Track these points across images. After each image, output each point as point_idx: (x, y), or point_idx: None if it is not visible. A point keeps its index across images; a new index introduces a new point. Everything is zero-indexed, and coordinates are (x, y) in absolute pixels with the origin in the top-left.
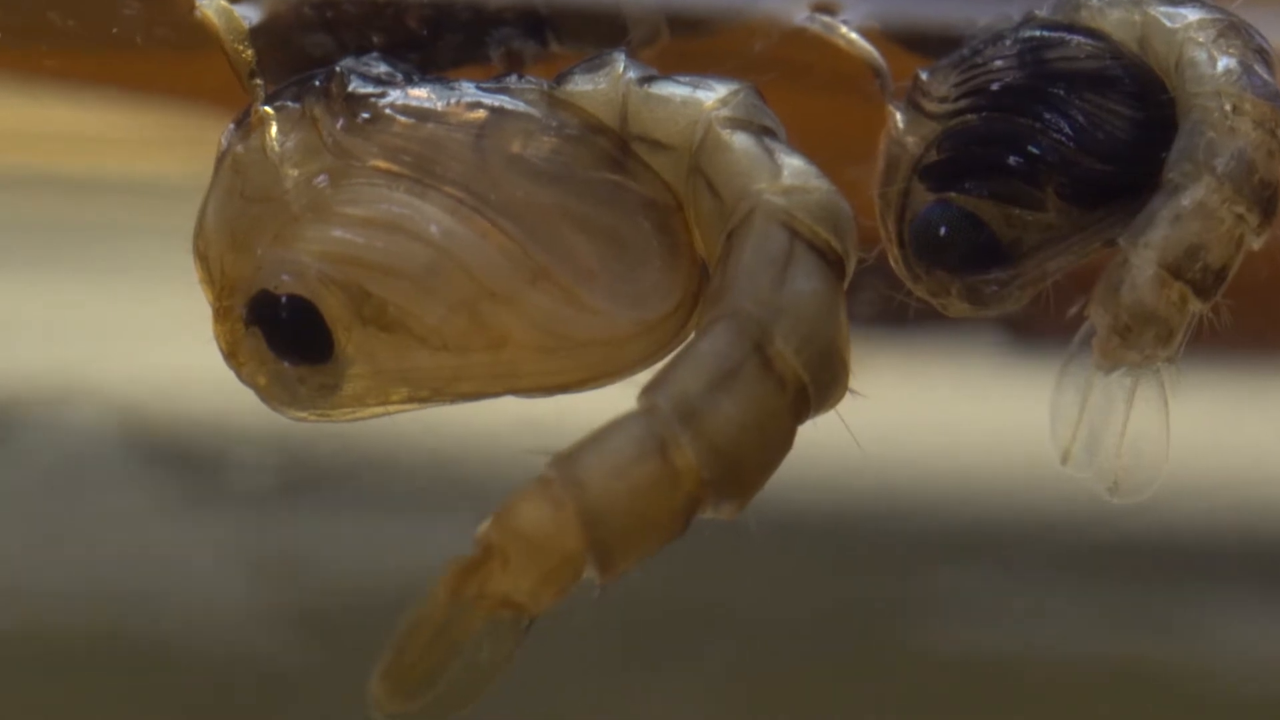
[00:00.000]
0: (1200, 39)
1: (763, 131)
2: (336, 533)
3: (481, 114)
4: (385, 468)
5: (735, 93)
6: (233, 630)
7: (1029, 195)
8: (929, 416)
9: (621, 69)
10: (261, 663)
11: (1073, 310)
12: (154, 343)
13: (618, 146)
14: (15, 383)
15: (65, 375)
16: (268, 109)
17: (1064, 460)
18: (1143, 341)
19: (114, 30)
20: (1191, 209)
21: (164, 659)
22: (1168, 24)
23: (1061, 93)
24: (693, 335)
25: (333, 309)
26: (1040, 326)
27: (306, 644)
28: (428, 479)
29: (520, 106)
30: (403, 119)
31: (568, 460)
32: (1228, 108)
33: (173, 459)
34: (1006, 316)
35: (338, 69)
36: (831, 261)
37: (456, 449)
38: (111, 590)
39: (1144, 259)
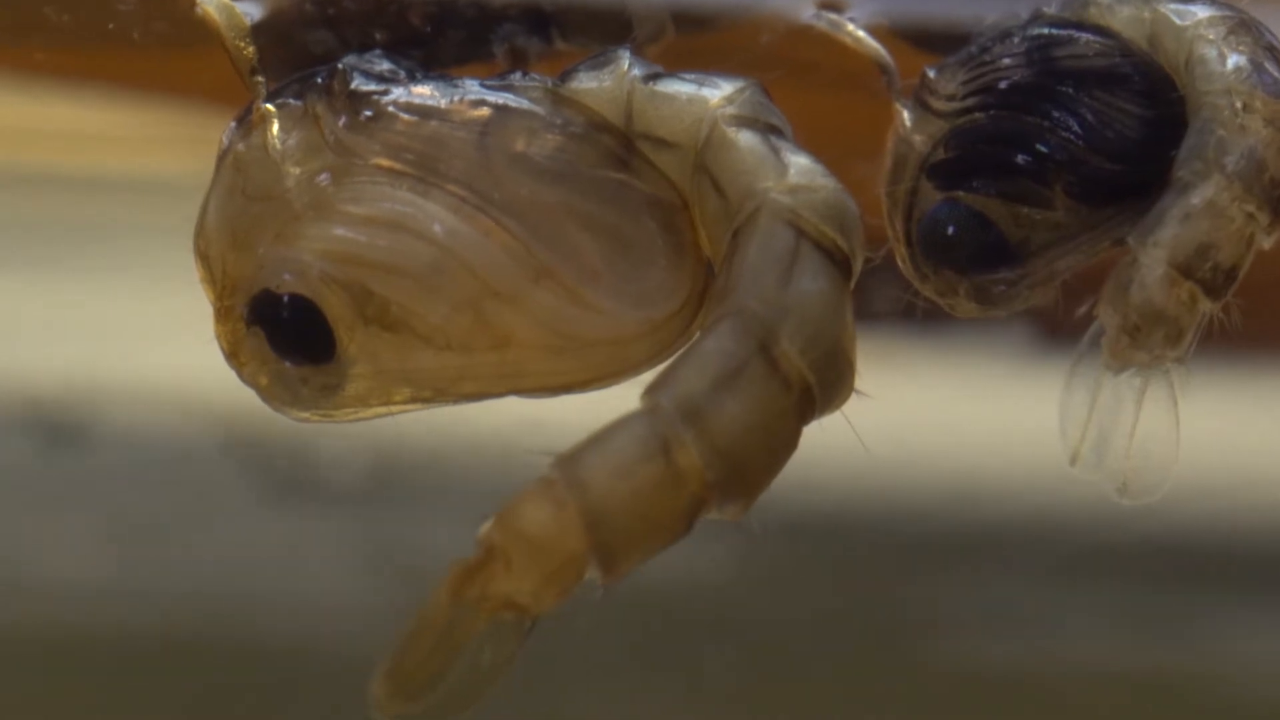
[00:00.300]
0: (1210, 36)
1: (769, 129)
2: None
3: (485, 112)
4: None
5: (741, 90)
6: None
7: (1037, 194)
8: (936, 417)
9: (626, 66)
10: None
11: (1082, 310)
12: (154, 342)
13: (622, 145)
14: (15, 381)
15: (66, 374)
16: (269, 106)
17: (1073, 461)
18: (1152, 341)
19: (111, 26)
20: (1201, 207)
21: (307, 664)
22: (1177, 21)
23: (1070, 91)
24: (698, 334)
25: (335, 308)
26: (1055, 326)
27: None
28: None
29: (524, 104)
30: (406, 117)
31: (570, 461)
32: (1238, 105)
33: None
34: (1019, 315)
35: (340, 66)
36: (838, 261)
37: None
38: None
39: (1153, 258)
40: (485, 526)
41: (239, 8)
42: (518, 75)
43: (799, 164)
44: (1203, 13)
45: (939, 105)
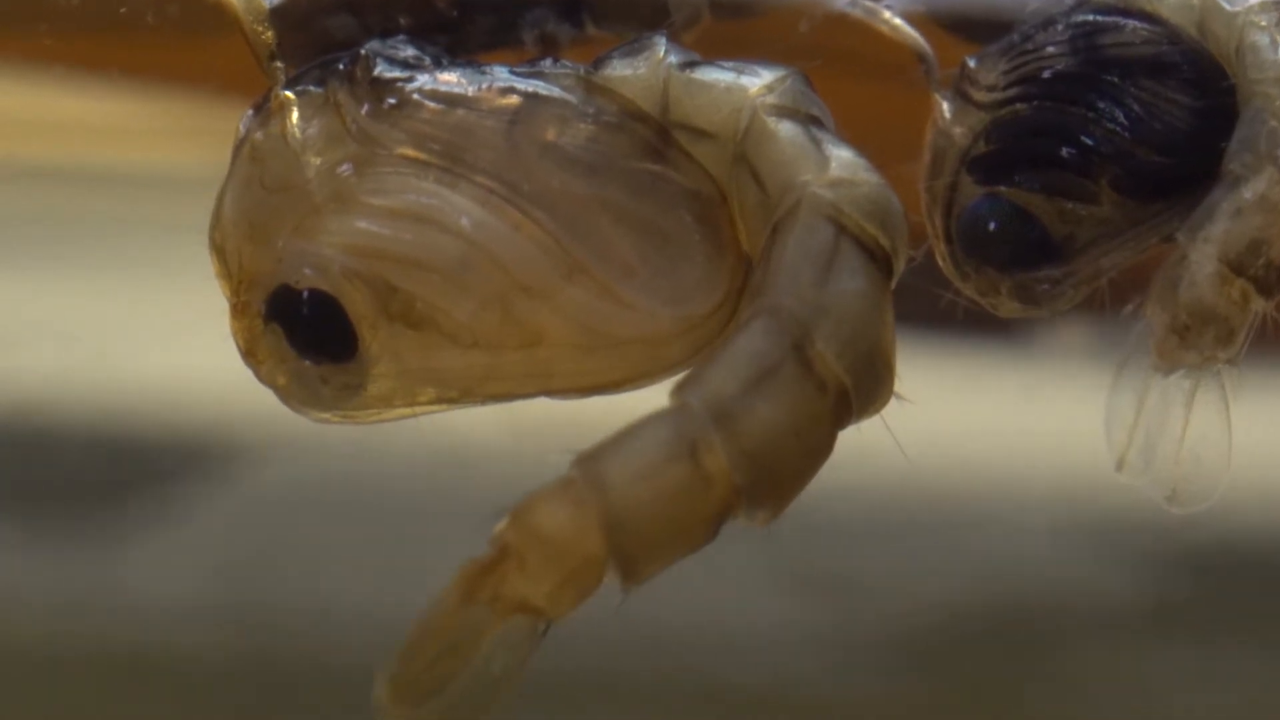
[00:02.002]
0: (1262, 23)
1: (810, 120)
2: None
3: (514, 100)
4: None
5: (782, 79)
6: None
7: (1082, 188)
8: (978, 423)
9: (662, 53)
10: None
11: (1129, 309)
12: (156, 341)
13: (658, 135)
14: (18, 382)
15: (72, 374)
16: (289, 94)
17: (1119, 467)
18: (1202, 342)
19: (122, 10)
20: (1253, 202)
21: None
22: (1228, 7)
23: (1116, 80)
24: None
25: (357, 305)
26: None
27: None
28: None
29: (555, 92)
30: (431, 105)
31: (591, 459)
32: None
33: None
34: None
35: (363, 52)
36: (879, 259)
37: None
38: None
39: (1203, 254)
40: (499, 524)
41: None
42: (549, 62)
43: (841, 157)
44: None
45: (979, 96)
